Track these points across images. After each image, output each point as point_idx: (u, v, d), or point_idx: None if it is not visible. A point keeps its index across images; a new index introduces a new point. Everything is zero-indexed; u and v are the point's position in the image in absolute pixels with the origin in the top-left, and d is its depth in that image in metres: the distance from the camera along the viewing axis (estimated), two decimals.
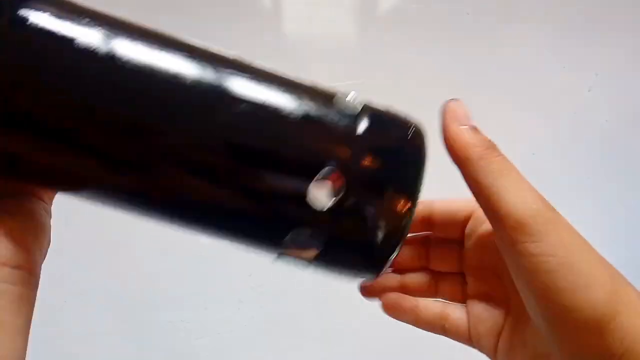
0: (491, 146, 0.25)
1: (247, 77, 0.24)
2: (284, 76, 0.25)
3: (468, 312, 0.29)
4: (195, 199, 0.23)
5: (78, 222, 0.42)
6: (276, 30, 0.68)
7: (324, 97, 0.25)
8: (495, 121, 0.62)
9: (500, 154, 0.26)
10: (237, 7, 0.69)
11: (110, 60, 0.21)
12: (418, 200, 0.24)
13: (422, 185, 0.25)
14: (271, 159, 0.23)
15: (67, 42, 0.21)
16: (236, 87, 0.23)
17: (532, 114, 0.59)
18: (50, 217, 0.25)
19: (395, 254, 0.24)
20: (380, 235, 0.24)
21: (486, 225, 0.28)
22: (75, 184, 0.24)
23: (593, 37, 0.68)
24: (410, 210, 0.24)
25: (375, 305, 0.44)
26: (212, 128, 0.23)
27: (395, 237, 0.24)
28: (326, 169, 0.23)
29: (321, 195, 0.23)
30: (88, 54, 0.21)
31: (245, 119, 0.23)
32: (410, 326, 0.38)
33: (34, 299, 0.23)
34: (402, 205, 0.24)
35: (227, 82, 0.23)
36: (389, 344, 0.42)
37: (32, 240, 0.24)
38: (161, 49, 0.23)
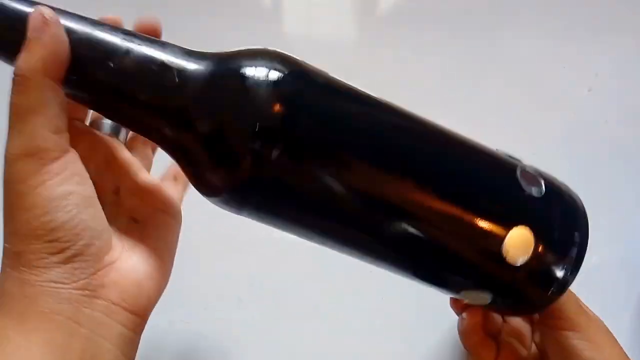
0: None
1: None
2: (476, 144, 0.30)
3: None
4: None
5: None
6: (276, 29, 0.68)
7: (508, 165, 0.28)
8: (495, 121, 0.62)
9: None
10: (237, 6, 0.69)
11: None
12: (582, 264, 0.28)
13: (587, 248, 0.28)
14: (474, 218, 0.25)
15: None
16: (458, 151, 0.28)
17: (532, 114, 0.59)
18: None
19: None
20: (549, 294, 0.27)
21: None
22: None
23: (593, 37, 0.68)
24: (577, 271, 0.28)
25: (375, 307, 0.44)
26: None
27: (561, 292, 0.27)
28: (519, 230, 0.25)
29: (516, 255, 0.25)
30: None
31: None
32: (412, 332, 0.38)
33: (138, 345, 0.25)
34: (573, 266, 0.27)
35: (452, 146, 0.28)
36: (389, 344, 0.42)
37: (156, 289, 0.26)
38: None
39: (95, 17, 0.26)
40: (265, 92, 0.23)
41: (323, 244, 0.28)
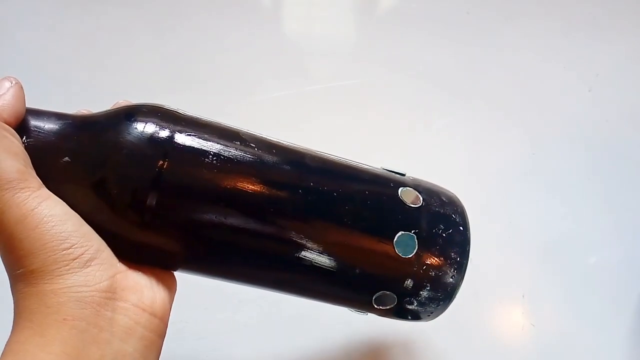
0: None
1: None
2: (349, 163, 0.31)
3: None
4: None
5: None
6: (276, 29, 0.68)
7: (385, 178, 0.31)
8: (495, 121, 0.62)
9: None
10: (237, 6, 0.69)
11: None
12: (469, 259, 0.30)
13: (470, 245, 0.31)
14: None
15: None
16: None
17: (532, 114, 0.59)
18: None
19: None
20: (446, 289, 0.30)
21: None
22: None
23: (593, 37, 0.68)
24: (464, 269, 0.30)
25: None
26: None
27: (452, 294, 0.30)
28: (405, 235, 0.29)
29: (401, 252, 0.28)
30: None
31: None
32: (411, 337, 0.38)
33: (161, 347, 0.26)
34: (462, 268, 0.30)
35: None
36: (389, 345, 0.42)
37: (169, 289, 0.27)
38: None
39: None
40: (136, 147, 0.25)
41: (234, 281, 0.30)
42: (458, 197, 0.33)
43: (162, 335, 0.26)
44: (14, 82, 0.25)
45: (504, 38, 0.67)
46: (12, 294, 0.23)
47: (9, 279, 0.23)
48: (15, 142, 0.24)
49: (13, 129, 0.24)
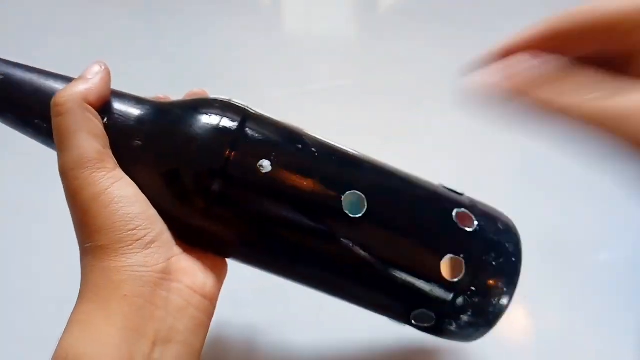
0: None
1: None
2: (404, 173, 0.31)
3: None
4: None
5: None
6: (276, 28, 0.68)
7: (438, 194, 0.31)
8: (496, 120, 0.61)
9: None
10: (237, 6, 0.69)
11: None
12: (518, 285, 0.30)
13: (520, 272, 0.30)
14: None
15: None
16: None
17: None
18: None
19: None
20: (487, 317, 0.29)
21: None
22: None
23: None
24: (511, 296, 0.29)
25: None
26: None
27: (493, 322, 0.30)
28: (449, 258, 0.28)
29: (447, 275, 0.28)
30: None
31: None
32: (417, 339, 0.38)
33: (209, 327, 0.28)
34: (507, 298, 0.29)
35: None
36: (389, 345, 0.41)
37: (219, 275, 0.29)
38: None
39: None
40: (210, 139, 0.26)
41: (283, 276, 0.31)
42: (514, 224, 0.32)
43: (210, 316, 0.28)
44: (102, 67, 0.28)
45: (504, 37, 0.67)
46: (81, 267, 0.25)
47: (80, 251, 0.25)
48: (97, 124, 0.26)
49: (96, 110, 0.26)
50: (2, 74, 0.27)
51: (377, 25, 0.70)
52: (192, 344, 0.26)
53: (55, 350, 0.23)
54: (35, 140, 0.29)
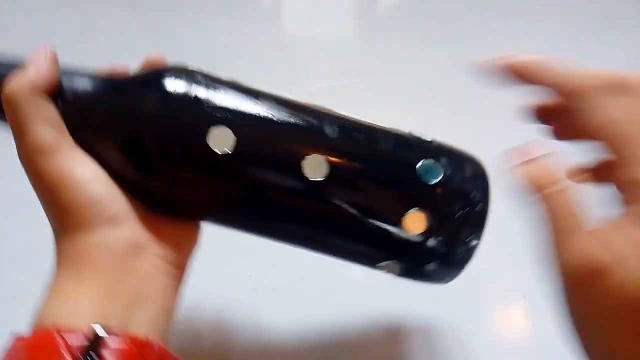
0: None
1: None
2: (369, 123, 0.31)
3: None
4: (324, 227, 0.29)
5: None
6: (276, 28, 0.68)
7: (403, 138, 0.31)
8: (495, 120, 0.62)
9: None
10: (237, 6, 0.69)
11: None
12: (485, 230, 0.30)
13: (489, 216, 0.30)
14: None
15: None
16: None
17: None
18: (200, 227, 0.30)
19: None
20: (456, 262, 0.30)
21: None
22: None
23: (593, 37, 0.68)
24: (479, 241, 0.30)
25: (374, 306, 0.44)
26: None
27: (468, 260, 0.30)
28: (415, 208, 0.28)
29: (412, 229, 0.28)
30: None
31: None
32: (412, 338, 0.38)
33: (181, 290, 0.29)
34: (476, 237, 0.30)
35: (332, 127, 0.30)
36: (388, 345, 0.41)
37: (189, 242, 0.30)
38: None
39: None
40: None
41: (260, 235, 0.31)
42: (484, 168, 0.32)
43: (181, 280, 0.28)
44: (48, 51, 0.28)
45: (504, 38, 0.67)
46: (55, 245, 0.26)
47: (53, 231, 0.26)
48: (49, 110, 0.26)
49: (48, 95, 0.26)
50: None
51: (377, 25, 0.70)
52: (165, 306, 0.27)
53: (34, 322, 0.23)
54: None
